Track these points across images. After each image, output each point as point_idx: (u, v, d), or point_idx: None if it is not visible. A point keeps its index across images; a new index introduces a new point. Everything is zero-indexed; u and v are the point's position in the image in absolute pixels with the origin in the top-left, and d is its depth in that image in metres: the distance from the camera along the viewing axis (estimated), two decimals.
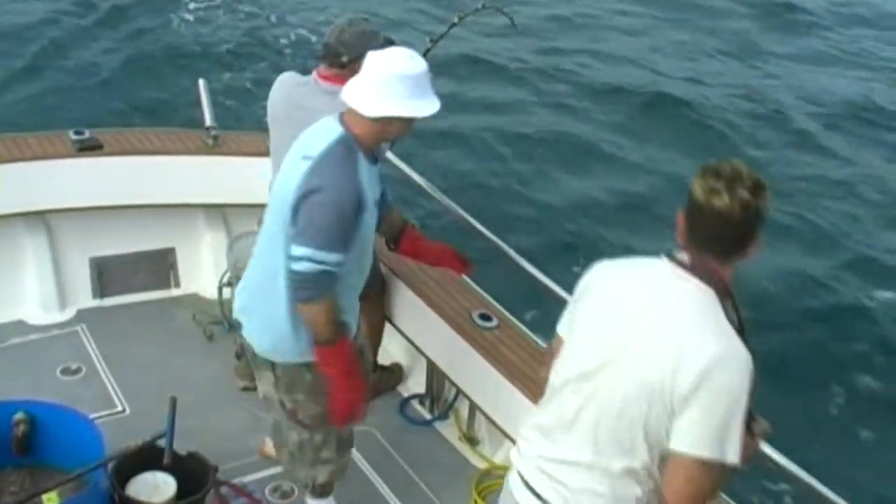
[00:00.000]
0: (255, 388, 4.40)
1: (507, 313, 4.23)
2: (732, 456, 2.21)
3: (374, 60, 3.01)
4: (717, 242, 2.29)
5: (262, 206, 4.24)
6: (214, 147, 4.93)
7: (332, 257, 2.94)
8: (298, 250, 2.95)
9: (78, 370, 4.46)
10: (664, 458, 2.29)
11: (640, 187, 9.20)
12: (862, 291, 7.93)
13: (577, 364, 2.42)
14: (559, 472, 2.42)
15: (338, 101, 3.86)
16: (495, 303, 4.26)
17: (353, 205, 2.95)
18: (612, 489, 2.35)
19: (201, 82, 5.10)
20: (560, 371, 2.48)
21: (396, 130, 3.08)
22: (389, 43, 4.07)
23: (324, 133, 3.04)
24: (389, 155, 4.69)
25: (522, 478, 2.50)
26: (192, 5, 12.28)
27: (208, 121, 4.94)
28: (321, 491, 3.48)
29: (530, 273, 3.94)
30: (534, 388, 3.78)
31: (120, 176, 4.80)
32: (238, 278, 4.66)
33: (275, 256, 3.05)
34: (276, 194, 3.09)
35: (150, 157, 4.84)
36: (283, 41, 11.61)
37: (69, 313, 4.85)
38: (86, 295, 4.95)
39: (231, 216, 5.11)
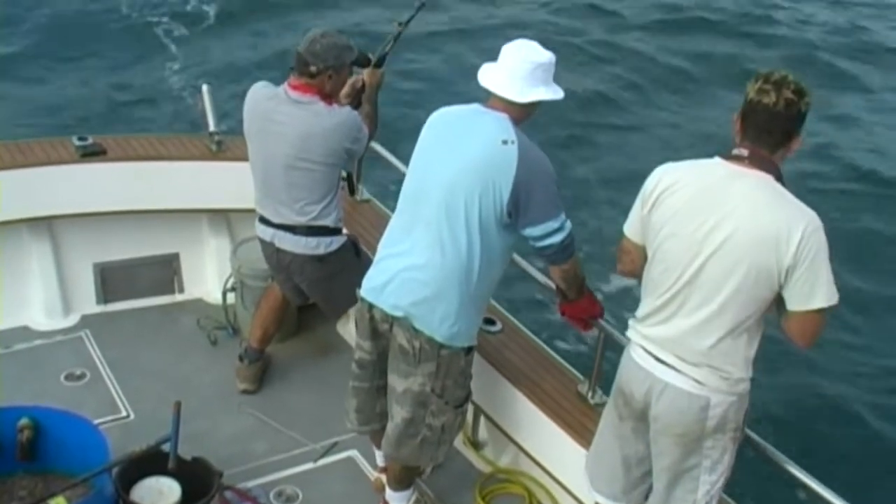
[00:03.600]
0: (254, 392, 4.44)
1: (511, 317, 4.23)
2: (836, 296, 2.76)
3: (514, 52, 3.24)
4: (766, 135, 2.79)
5: None
6: (218, 152, 4.94)
7: (567, 219, 3.27)
8: (550, 225, 3.21)
9: (82, 376, 4.46)
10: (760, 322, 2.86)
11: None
12: None
13: (674, 269, 2.87)
14: (672, 346, 2.92)
15: (306, 111, 3.85)
16: (500, 307, 4.26)
17: None
18: (720, 355, 2.85)
19: (204, 88, 5.11)
20: (658, 277, 2.93)
21: (534, 112, 3.32)
22: (363, 55, 4.06)
23: (493, 119, 3.23)
24: (378, 147, 4.72)
25: (644, 348, 2.99)
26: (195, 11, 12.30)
27: (211, 126, 4.94)
28: (429, 470, 3.86)
29: (535, 277, 3.93)
30: (538, 392, 3.79)
31: (123, 181, 4.80)
32: (242, 283, 4.71)
33: (469, 245, 3.21)
34: (464, 186, 3.17)
35: (154, 162, 4.85)
36: (288, 44, 11.61)
37: (73, 319, 4.85)
38: (90, 301, 4.95)
39: (235, 221, 5.11)
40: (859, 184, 9.64)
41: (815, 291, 2.76)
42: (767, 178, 2.79)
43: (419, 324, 3.31)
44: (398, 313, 3.34)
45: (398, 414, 3.47)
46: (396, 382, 3.45)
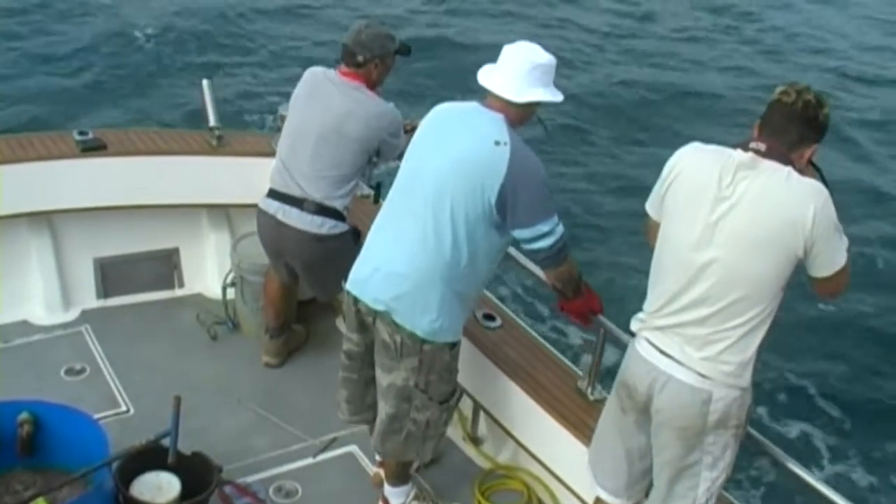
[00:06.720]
0: (276, 366, 4.58)
1: (510, 313, 4.23)
2: (846, 248, 2.83)
3: (514, 52, 3.24)
4: (782, 133, 2.81)
5: None
6: (218, 147, 4.94)
7: (560, 223, 3.24)
8: (539, 229, 3.19)
9: (82, 370, 4.47)
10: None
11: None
12: None
13: (683, 260, 2.87)
14: (678, 339, 2.91)
15: (354, 91, 4.01)
16: (499, 302, 4.26)
17: None
18: (727, 349, 2.85)
19: (205, 82, 5.10)
20: (667, 267, 2.94)
21: (532, 115, 3.30)
22: (404, 45, 4.16)
23: (489, 119, 3.22)
24: None
25: (649, 341, 2.98)
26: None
27: (212, 121, 4.94)
28: (424, 465, 3.86)
29: (535, 273, 3.94)
30: (538, 388, 3.79)
31: (124, 176, 4.80)
32: (242, 278, 4.71)
33: (453, 242, 3.20)
34: (452, 182, 3.17)
35: (154, 157, 4.85)
36: (286, 42, 11.62)
37: (73, 314, 4.86)
38: (90, 295, 4.95)
39: (235, 216, 5.11)
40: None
41: (835, 256, 2.81)
42: (782, 169, 2.78)
43: (400, 318, 3.30)
44: (379, 307, 3.33)
45: (383, 409, 3.48)
46: (381, 377, 3.46)
